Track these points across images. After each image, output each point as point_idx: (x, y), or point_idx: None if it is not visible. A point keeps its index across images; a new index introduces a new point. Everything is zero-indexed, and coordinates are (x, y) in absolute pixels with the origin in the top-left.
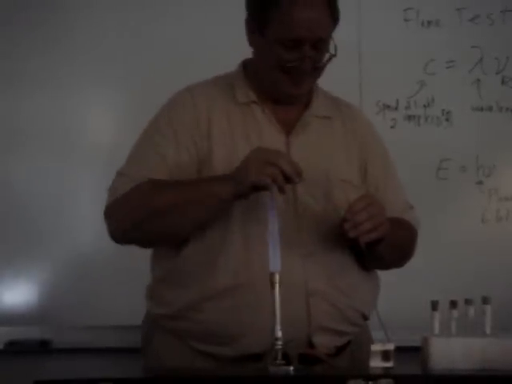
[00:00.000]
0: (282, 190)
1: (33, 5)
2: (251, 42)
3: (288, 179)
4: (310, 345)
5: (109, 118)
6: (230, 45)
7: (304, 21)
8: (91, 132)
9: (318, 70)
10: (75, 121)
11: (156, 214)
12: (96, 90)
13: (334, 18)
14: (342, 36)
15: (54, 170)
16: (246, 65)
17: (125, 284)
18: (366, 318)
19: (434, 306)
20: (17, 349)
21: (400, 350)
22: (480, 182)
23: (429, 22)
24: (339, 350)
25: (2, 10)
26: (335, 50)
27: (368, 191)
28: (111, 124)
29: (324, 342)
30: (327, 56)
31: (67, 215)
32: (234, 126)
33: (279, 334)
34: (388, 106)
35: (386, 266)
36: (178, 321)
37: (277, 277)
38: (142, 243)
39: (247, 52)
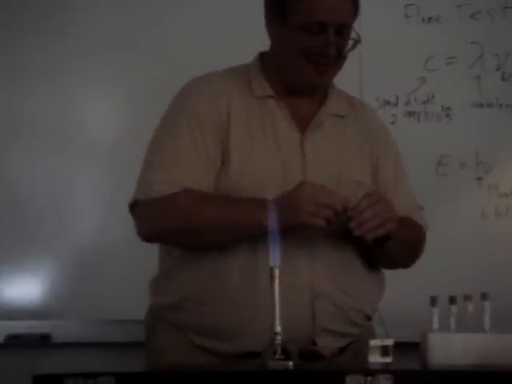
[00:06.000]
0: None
1: (34, 0)
2: (271, 33)
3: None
4: (313, 345)
5: (110, 114)
6: (232, 40)
7: (329, 4)
8: (92, 128)
9: (341, 59)
10: (76, 116)
11: (194, 230)
12: (97, 86)
13: (355, 5)
14: None
15: (54, 165)
16: (262, 57)
17: (125, 278)
18: (369, 318)
19: (433, 301)
20: (17, 342)
21: (399, 345)
22: (479, 178)
23: (429, 18)
24: (341, 350)
25: (4, 6)
26: (358, 37)
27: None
28: (112, 120)
29: (327, 344)
30: (350, 43)
31: (68, 209)
32: (252, 120)
33: (278, 328)
34: (388, 102)
35: (396, 264)
36: (177, 312)
37: (276, 271)
38: (171, 244)
39: (248, 47)
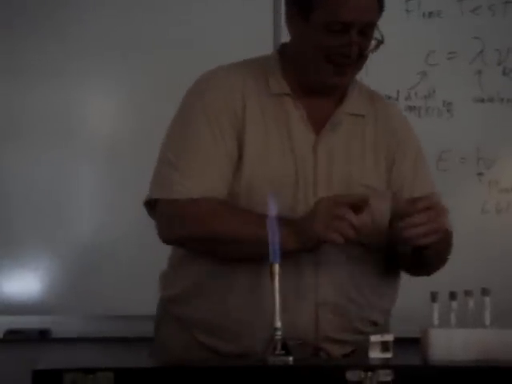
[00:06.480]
0: (346, 241)
1: (35, 0)
2: (291, 31)
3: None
4: (316, 351)
5: (111, 112)
6: (233, 39)
7: (354, 3)
8: (93, 126)
9: (362, 59)
10: (77, 115)
11: (214, 239)
12: (98, 84)
13: (380, 3)
14: None
15: (54, 162)
16: (282, 51)
17: (124, 274)
18: (376, 324)
19: (434, 297)
20: (16, 338)
21: (399, 341)
22: (480, 174)
23: (430, 13)
24: (345, 356)
25: (4, 6)
26: (382, 37)
27: (392, 192)
28: (113, 118)
29: (330, 351)
30: (373, 43)
31: (67, 205)
32: (267, 117)
33: (278, 324)
34: (389, 97)
35: (423, 272)
36: (180, 305)
37: (276, 267)
38: (192, 250)
39: (250, 47)
